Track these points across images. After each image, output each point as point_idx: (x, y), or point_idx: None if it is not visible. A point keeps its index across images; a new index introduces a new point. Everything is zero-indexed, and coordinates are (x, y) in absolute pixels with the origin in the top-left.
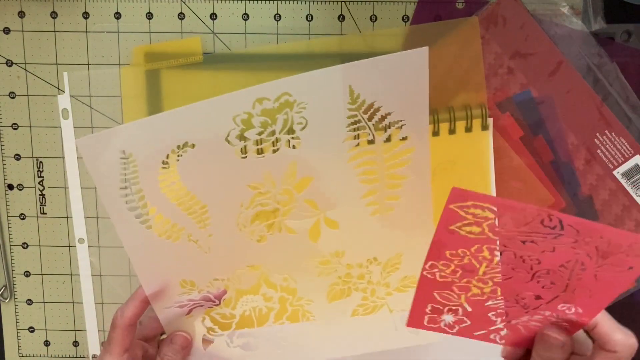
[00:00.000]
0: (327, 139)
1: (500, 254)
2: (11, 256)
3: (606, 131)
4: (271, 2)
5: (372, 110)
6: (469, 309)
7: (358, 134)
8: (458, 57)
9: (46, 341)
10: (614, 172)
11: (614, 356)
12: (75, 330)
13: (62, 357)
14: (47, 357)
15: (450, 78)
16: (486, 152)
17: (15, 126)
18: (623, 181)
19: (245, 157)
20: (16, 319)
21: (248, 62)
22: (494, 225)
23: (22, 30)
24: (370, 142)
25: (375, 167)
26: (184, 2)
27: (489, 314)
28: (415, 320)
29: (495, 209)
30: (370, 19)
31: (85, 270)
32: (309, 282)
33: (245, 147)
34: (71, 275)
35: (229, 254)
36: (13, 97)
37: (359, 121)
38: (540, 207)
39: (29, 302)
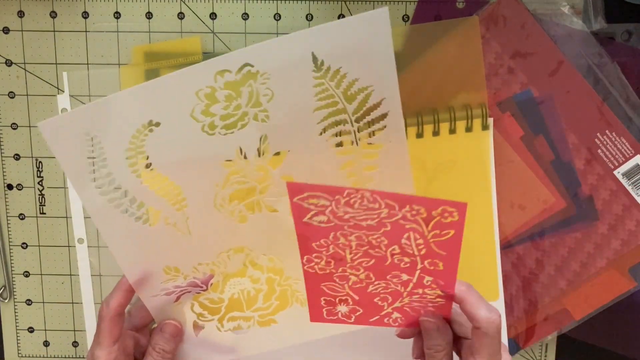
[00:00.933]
0: (297, 109)
1: (354, 239)
2: (10, 256)
3: (607, 131)
4: (271, 1)
5: (338, 76)
6: (357, 298)
7: (327, 103)
8: (458, 57)
9: (46, 341)
10: (615, 172)
11: (480, 332)
12: (74, 330)
13: (61, 357)
14: (47, 357)
15: (450, 78)
16: (486, 152)
17: (14, 126)
18: (624, 181)
19: (214, 134)
20: (15, 319)
21: None
22: (335, 212)
23: (22, 30)
24: (342, 110)
25: (350, 137)
26: (184, 2)
27: (375, 300)
28: (315, 315)
29: (326, 195)
30: None
31: (85, 271)
32: (295, 261)
33: (212, 122)
34: (71, 275)
35: (211, 237)
36: (12, 97)
37: (327, 89)
38: (355, 188)
39: (29, 302)
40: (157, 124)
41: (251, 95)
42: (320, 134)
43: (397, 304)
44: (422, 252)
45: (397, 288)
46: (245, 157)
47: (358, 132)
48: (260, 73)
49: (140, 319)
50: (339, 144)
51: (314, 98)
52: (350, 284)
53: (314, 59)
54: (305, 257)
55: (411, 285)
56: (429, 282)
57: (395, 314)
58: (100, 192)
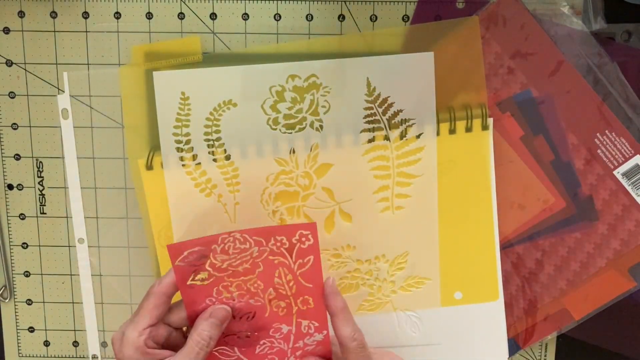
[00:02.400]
0: (346, 127)
1: (235, 289)
2: (11, 256)
3: (606, 131)
4: (271, 2)
5: (385, 105)
6: None
7: (373, 127)
8: (458, 57)
9: (46, 341)
10: (614, 172)
11: (344, 349)
12: (75, 330)
13: (62, 357)
14: (47, 357)
15: (450, 78)
16: (486, 152)
17: (15, 126)
18: (623, 181)
19: (275, 130)
20: (16, 319)
21: (247, 61)
22: (213, 264)
23: (22, 30)
24: (385, 137)
25: (388, 163)
26: (184, 2)
27: None
28: None
29: (203, 247)
30: (370, 18)
31: (85, 270)
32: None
33: (277, 118)
34: (71, 275)
35: None
36: (13, 97)
37: (375, 114)
38: (228, 232)
39: (29, 302)
40: (235, 105)
41: (312, 104)
42: (363, 155)
43: None
44: (293, 289)
45: (281, 346)
46: (296, 160)
47: (396, 159)
48: (322, 85)
49: (179, 319)
50: (377, 168)
51: (362, 120)
52: (238, 346)
53: (368, 84)
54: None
55: (292, 337)
56: (306, 329)
57: None
58: (177, 148)
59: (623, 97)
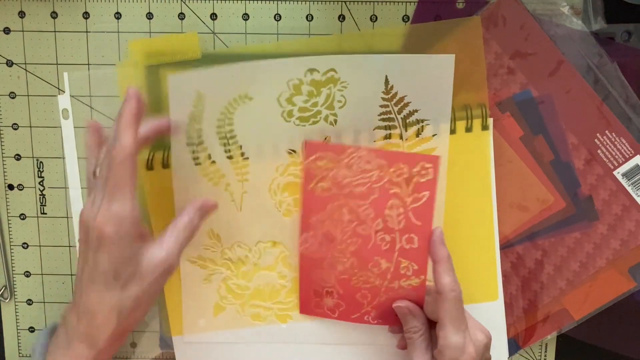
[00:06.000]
0: (360, 123)
1: (346, 213)
2: (11, 256)
3: (606, 131)
4: (271, 2)
5: (402, 104)
6: (341, 291)
7: (387, 125)
8: (459, 57)
9: None
10: (614, 172)
11: (441, 298)
12: None
13: None
14: None
15: None
16: (486, 152)
17: (15, 126)
18: (623, 181)
19: (289, 122)
20: (16, 319)
21: (247, 60)
22: (335, 176)
23: (22, 30)
24: (400, 136)
25: None
26: (184, 2)
27: (357, 296)
28: (305, 307)
29: (333, 155)
30: (370, 19)
31: None
32: None
33: (291, 110)
34: (71, 275)
35: (257, 220)
36: (13, 97)
37: (390, 112)
38: (356, 146)
39: (29, 302)
40: (250, 98)
41: (328, 97)
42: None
43: (375, 302)
44: (402, 224)
45: (376, 282)
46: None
47: None
48: (340, 80)
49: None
50: None
51: (377, 117)
52: (336, 273)
53: (386, 81)
54: (303, 236)
55: (389, 276)
56: (405, 270)
57: (374, 312)
58: (187, 143)
59: (623, 97)
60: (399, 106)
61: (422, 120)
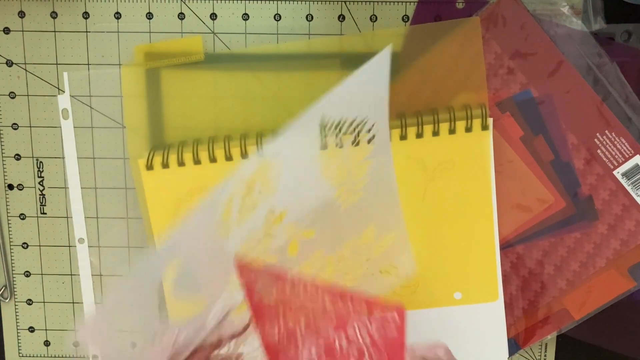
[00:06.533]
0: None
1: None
2: (11, 256)
3: (606, 131)
4: (271, 2)
5: (340, 125)
6: None
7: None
8: (458, 57)
9: (46, 341)
10: (614, 172)
11: None
12: (75, 330)
13: (62, 357)
14: (47, 357)
15: (450, 78)
16: (486, 152)
17: (15, 126)
18: (623, 181)
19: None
20: (16, 319)
21: (249, 61)
22: (282, 295)
23: (22, 30)
24: (337, 145)
25: (342, 169)
26: (184, 2)
27: None
28: None
29: (273, 279)
30: (370, 19)
31: (85, 270)
32: None
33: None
34: (71, 275)
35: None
36: (13, 97)
37: (327, 135)
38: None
39: (29, 302)
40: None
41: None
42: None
43: None
44: (367, 339)
45: None
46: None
47: (349, 164)
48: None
49: None
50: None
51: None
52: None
53: (322, 130)
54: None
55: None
56: None
57: None
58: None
59: (623, 97)
60: (338, 128)
61: (361, 125)
